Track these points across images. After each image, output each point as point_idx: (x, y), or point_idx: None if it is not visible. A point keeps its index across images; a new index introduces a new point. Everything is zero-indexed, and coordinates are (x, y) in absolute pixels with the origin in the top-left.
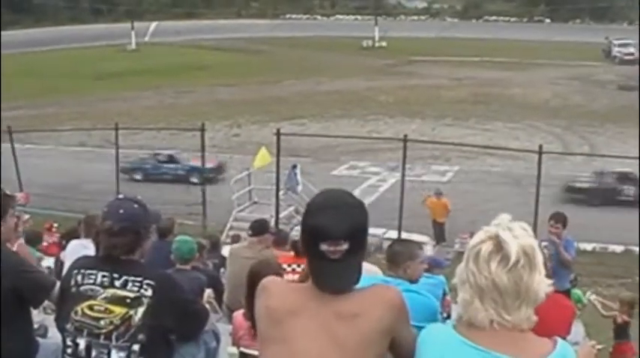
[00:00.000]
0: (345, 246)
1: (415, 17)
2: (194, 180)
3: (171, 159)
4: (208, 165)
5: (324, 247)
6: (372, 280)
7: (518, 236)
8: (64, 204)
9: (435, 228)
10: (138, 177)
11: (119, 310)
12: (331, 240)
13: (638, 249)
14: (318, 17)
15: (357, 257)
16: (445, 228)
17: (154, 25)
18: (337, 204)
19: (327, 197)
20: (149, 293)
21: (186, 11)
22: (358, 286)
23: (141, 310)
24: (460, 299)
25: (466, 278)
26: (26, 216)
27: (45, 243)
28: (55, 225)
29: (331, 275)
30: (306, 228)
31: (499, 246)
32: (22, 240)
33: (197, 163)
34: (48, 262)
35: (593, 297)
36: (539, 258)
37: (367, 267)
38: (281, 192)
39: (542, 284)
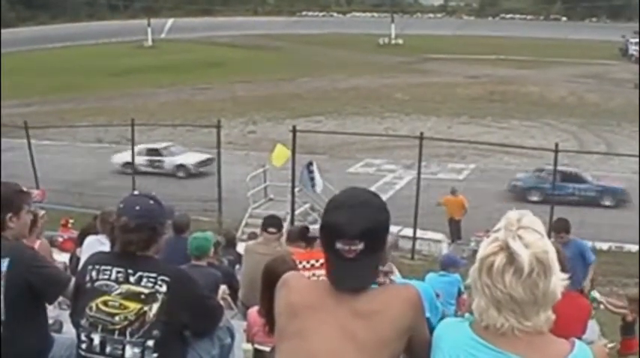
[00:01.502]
0: (359, 246)
1: (431, 15)
2: None
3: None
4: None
5: (339, 245)
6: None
7: (530, 244)
8: (80, 199)
9: (451, 225)
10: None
11: (134, 306)
12: (345, 239)
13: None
14: (335, 14)
15: (374, 257)
16: (461, 225)
17: (170, 21)
18: (355, 203)
19: (347, 196)
20: (164, 289)
21: (202, 8)
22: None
23: (155, 306)
24: (476, 305)
25: (481, 289)
26: (42, 212)
27: (60, 239)
28: (71, 221)
29: (346, 274)
30: (323, 225)
31: (511, 257)
32: (43, 240)
33: None
34: (64, 258)
35: (597, 295)
36: (554, 259)
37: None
38: (296, 189)
39: (558, 285)
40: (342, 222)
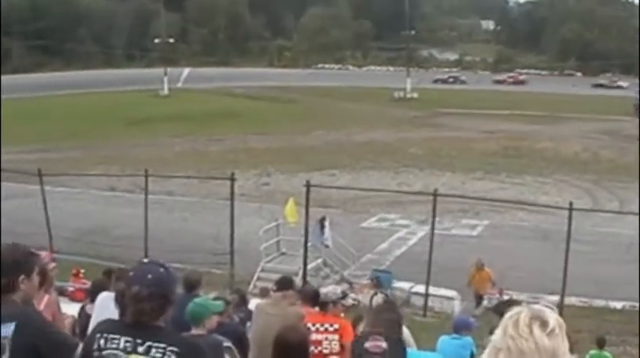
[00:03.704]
0: (384, 344)
1: (447, 69)
2: None
3: None
4: None
5: (367, 344)
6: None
7: (550, 310)
8: (93, 248)
9: (476, 299)
10: None
11: None
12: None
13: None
14: (350, 67)
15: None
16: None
17: (187, 71)
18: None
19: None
20: None
21: (219, 59)
22: None
23: None
24: None
25: (504, 345)
26: (52, 265)
27: (71, 289)
28: (82, 270)
29: None
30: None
31: (536, 313)
32: (53, 294)
33: None
34: (73, 309)
35: None
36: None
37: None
38: (309, 244)
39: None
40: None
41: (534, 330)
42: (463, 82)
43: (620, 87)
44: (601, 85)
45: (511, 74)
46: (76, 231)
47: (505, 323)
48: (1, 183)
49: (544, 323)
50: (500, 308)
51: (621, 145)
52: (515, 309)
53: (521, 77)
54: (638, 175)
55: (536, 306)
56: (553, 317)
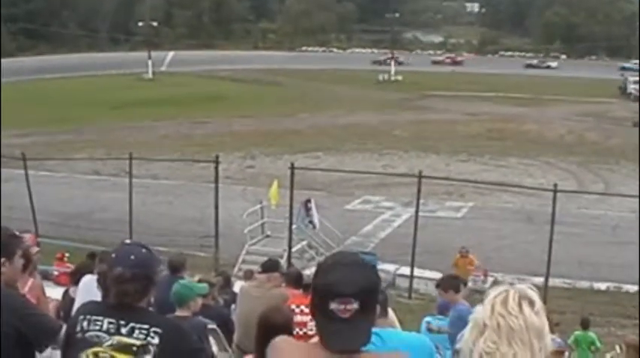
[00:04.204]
0: (355, 305)
1: (431, 51)
2: None
3: None
4: None
5: (333, 305)
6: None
7: (532, 290)
8: (77, 232)
9: None
10: None
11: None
12: (341, 297)
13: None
14: (335, 50)
15: (367, 318)
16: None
17: (171, 54)
18: (349, 262)
19: (337, 257)
20: (156, 340)
21: (203, 42)
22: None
23: None
24: (480, 351)
25: (493, 323)
26: (35, 249)
27: (56, 273)
28: (67, 254)
29: (340, 334)
30: (316, 286)
31: (524, 293)
32: (37, 278)
33: None
34: (58, 293)
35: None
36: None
37: (390, 318)
38: (294, 226)
39: (550, 338)
40: (338, 281)
41: (524, 308)
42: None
43: (549, 67)
44: (531, 66)
45: (449, 55)
46: (60, 216)
47: (492, 301)
48: None
49: (532, 302)
50: (445, 283)
51: (606, 127)
52: (499, 288)
53: (459, 58)
54: (623, 157)
55: (520, 286)
56: (537, 297)
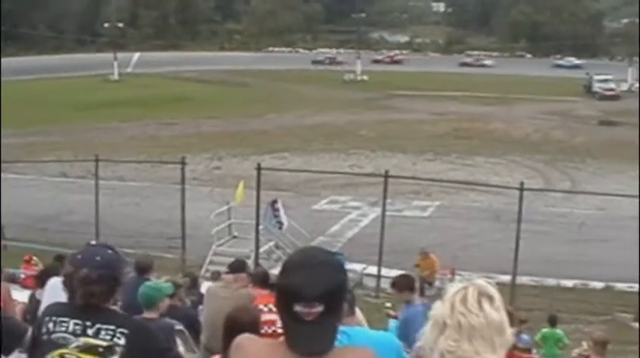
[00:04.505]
0: (319, 308)
1: (397, 51)
2: None
3: None
4: None
5: (297, 308)
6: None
7: (491, 285)
8: (44, 235)
9: (421, 283)
10: None
11: None
12: (305, 301)
13: (618, 285)
14: (301, 50)
15: (333, 318)
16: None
17: (137, 55)
18: (312, 263)
19: (302, 256)
20: (122, 341)
21: (169, 43)
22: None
23: None
24: (441, 349)
25: (453, 321)
26: None
27: (23, 276)
28: (34, 257)
29: (305, 337)
30: (280, 287)
31: (483, 289)
32: (2, 282)
33: None
34: (24, 296)
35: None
36: None
37: (357, 317)
38: (261, 227)
39: (510, 332)
40: (300, 284)
41: (484, 305)
42: (340, 63)
43: (483, 65)
44: (466, 64)
45: (388, 54)
46: (28, 218)
47: (451, 299)
48: None
49: (491, 298)
50: (400, 283)
51: (572, 126)
52: (457, 285)
53: (398, 57)
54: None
55: (478, 281)
56: (495, 292)
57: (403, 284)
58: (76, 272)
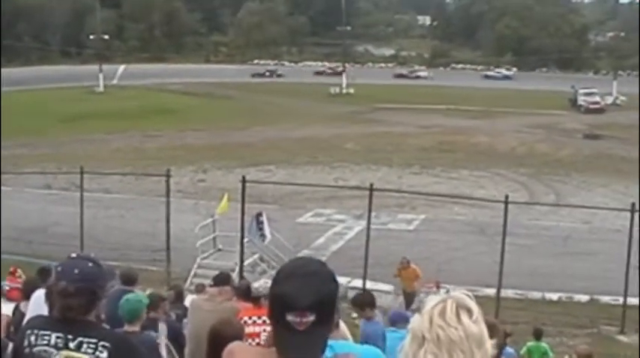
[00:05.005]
0: (311, 318)
1: (383, 64)
2: None
3: None
4: None
5: (289, 317)
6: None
7: (470, 298)
8: (29, 247)
9: (405, 296)
10: None
11: None
12: (297, 310)
13: (602, 298)
14: (286, 63)
15: (325, 328)
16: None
17: (122, 67)
18: (305, 273)
19: (295, 265)
20: (104, 355)
21: (155, 55)
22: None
23: None
24: None
25: (432, 335)
26: None
27: (7, 288)
28: (19, 270)
29: (296, 346)
30: (272, 296)
31: (461, 302)
32: None
33: None
34: (8, 308)
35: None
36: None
37: (342, 330)
38: (245, 240)
39: (491, 348)
40: (293, 294)
41: (462, 318)
42: (280, 76)
43: (418, 77)
44: (402, 76)
45: (330, 65)
46: (12, 231)
47: (430, 313)
48: None
49: (470, 311)
50: (359, 300)
51: (557, 139)
52: (435, 298)
53: (340, 69)
54: (574, 169)
55: (456, 294)
56: (474, 304)
57: (365, 302)
58: (55, 284)
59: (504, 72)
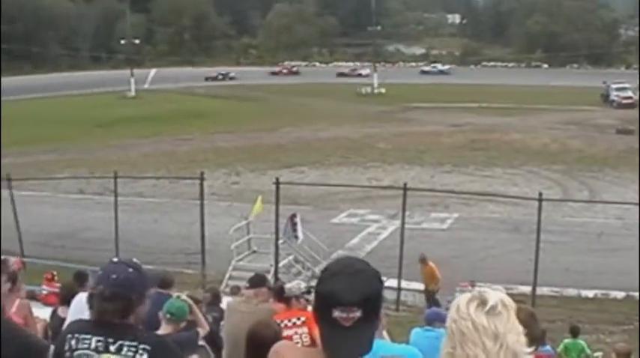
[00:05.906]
0: (357, 313)
1: (414, 63)
2: None
3: None
4: None
5: (336, 313)
6: (386, 346)
7: (496, 292)
8: (63, 252)
9: (426, 295)
10: None
11: None
12: (344, 306)
13: (638, 294)
14: (317, 64)
15: (370, 326)
16: (437, 296)
17: (153, 72)
18: (352, 271)
19: (341, 264)
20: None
21: (185, 59)
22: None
23: None
24: (442, 356)
25: (450, 329)
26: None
27: (44, 292)
28: (54, 273)
29: (342, 343)
30: (319, 293)
31: (476, 294)
32: (24, 299)
33: None
34: (46, 313)
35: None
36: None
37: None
38: (280, 241)
39: (519, 344)
40: (341, 289)
41: (472, 310)
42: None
43: (360, 75)
44: (343, 74)
45: (285, 65)
46: (45, 236)
47: (452, 308)
48: None
49: (483, 302)
50: None
51: (589, 135)
52: (464, 295)
53: (295, 68)
54: (607, 164)
55: (483, 289)
56: (496, 297)
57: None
58: (94, 288)
59: (439, 67)
